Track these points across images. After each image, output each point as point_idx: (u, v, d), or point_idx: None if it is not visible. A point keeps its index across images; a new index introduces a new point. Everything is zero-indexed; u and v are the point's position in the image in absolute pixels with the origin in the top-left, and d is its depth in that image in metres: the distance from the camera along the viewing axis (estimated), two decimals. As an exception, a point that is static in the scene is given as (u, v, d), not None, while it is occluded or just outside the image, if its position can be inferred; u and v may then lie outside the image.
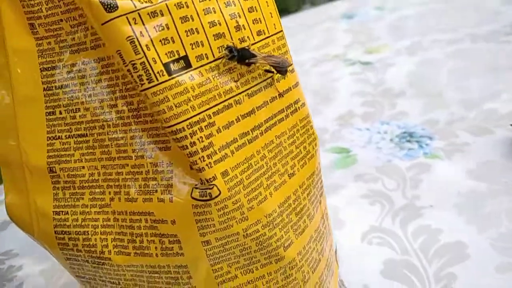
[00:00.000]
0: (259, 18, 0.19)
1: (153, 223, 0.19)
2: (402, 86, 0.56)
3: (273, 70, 0.19)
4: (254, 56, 0.17)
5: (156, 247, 0.19)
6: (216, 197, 0.17)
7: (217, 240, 0.18)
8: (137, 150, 0.19)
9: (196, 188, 0.18)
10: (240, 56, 0.17)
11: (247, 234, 0.18)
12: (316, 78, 0.62)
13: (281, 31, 0.20)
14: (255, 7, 0.19)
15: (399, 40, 0.71)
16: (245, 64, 0.18)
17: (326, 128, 0.48)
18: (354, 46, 0.73)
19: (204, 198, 0.17)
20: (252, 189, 0.18)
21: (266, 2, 0.20)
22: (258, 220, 0.19)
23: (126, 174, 0.19)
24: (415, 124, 0.47)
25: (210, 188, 0.17)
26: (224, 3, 0.18)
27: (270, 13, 0.20)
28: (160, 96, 0.16)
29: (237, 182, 0.18)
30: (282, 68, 0.18)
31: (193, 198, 0.18)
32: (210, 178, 0.17)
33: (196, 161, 0.17)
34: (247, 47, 0.18)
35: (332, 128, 0.49)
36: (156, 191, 0.19)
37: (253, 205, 0.18)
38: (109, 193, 0.20)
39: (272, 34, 0.20)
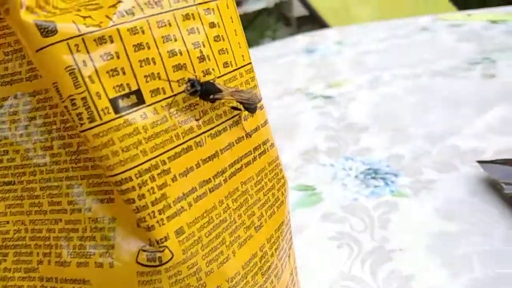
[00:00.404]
0: (226, 48, 0.17)
1: (89, 294, 0.15)
2: (365, 121, 0.55)
3: (240, 107, 0.16)
4: (219, 91, 0.15)
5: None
6: (168, 261, 0.14)
7: (168, 314, 0.15)
8: (74, 202, 0.16)
9: (144, 250, 0.15)
10: (204, 91, 0.15)
11: (205, 304, 0.15)
12: (278, 112, 0.61)
13: (250, 63, 0.18)
14: (222, 36, 0.17)
15: (360, 75, 0.72)
16: (209, 100, 0.15)
17: (289, 164, 0.46)
18: (316, 80, 0.72)
19: (153, 263, 0.14)
20: (212, 248, 0.16)
21: (235, 30, 0.17)
22: (218, 286, 0.16)
23: (59, 231, 0.16)
24: (379, 159, 0.46)
25: (160, 251, 0.14)
26: (187, 30, 0.15)
27: (239, 43, 0.17)
28: (104, 139, 0.13)
29: (194, 242, 0.15)
30: (251, 105, 0.16)
31: (139, 263, 0.15)
32: (161, 239, 0.14)
33: (144, 217, 0.14)
34: (211, 81, 0.15)
35: (295, 164, 0.47)
36: (94, 253, 0.15)
37: (212, 269, 0.16)
38: (38, 254, 0.16)
39: (240, 66, 0.17)
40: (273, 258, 0.18)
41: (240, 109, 0.16)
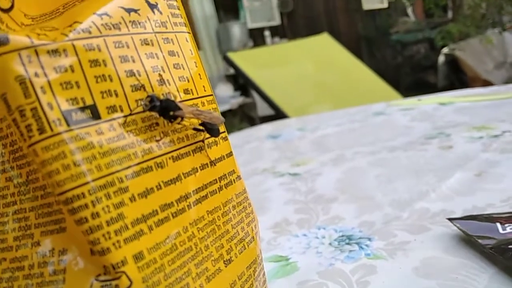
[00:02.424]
0: (187, 77, 0.17)
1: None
2: (332, 193, 0.55)
3: (202, 128, 0.16)
4: (179, 108, 0.15)
5: None
6: (126, 290, 0.13)
7: None
8: (20, 237, 0.14)
9: (98, 280, 0.13)
10: (163, 107, 0.14)
11: None
12: (247, 189, 0.60)
13: (212, 95, 0.18)
14: (182, 64, 0.17)
15: (323, 154, 0.73)
16: (169, 118, 0.15)
17: (261, 237, 0.45)
18: (282, 161, 0.73)
19: (109, 293, 0.13)
20: (176, 279, 0.14)
21: (194, 62, 0.18)
22: (185, 324, 0.14)
23: (3, 272, 0.14)
24: (351, 227, 0.45)
25: (117, 278, 0.13)
26: (145, 54, 0.15)
27: (199, 74, 0.18)
28: (54, 152, 0.12)
29: (155, 269, 0.13)
30: (213, 126, 0.16)
31: (94, 295, 0.13)
32: (117, 263, 0.13)
33: (98, 239, 0.13)
34: (171, 99, 0.15)
35: (267, 236, 0.45)
36: None
37: (178, 302, 0.14)
38: (-20, 300, 0.14)
39: (202, 96, 0.17)
40: (247, 299, 0.16)
41: (202, 130, 0.16)
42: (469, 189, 0.49)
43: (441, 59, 2.88)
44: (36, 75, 0.13)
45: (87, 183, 0.13)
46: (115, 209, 0.13)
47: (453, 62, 2.79)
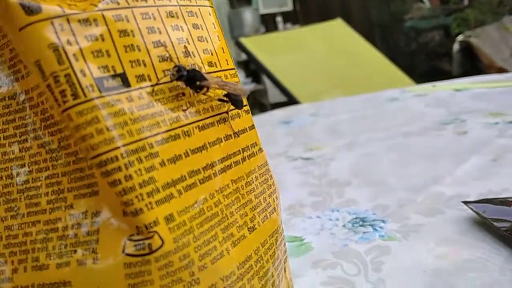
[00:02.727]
0: (210, 50, 0.17)
1: (69, 297, 0.14)
2: (346, 177, 0.55)
3: (226, 99, 0.16)
4: (205, 79, 0.15)
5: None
6: (158, 249, 0.13)
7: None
8: (54, 201, 0.15)
9: (131, 240, 0.13)
10: (190, 77, 0.14)
11: (198, 305, 0.14)
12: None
13: (234, 68, 0.18)
14: (206, 37, 0.17)
15: (337, 139, 0.73)
16: (195, 88, 0.15)
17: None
18: (295, 145, 0.73)
19: (142, 252, 0.13)
20: (204, 241, 0.14)
21: (217, 36, 0.18)
22: (212, 285, 0.14)
23: (37, 233, 0.15)
24: (365, 209, 0.45)
25: (149, 238, 0.13)
26: (171, 26, 0.16)
27: (222, 47, 0.18)
28: (88, 116, 0.13)
29: (185, 231, 0.14)
30: (237, 97, 0.16)
31: (126, 254, 0.13)
32: (150, 224, 0.13)
33: (131, 200, 0.13)
34: (197, 69, 0.15)
35: (282, 218, 0.45)
36: (75, 251, 0.14)
37: (206, 264, 0.14)
38: (12, 262, 0.15)
39: (225, 69, 0.18)
40: (269, 265, 0.17)
41: (226, 101, 0.16)
42: (484, 174, 0.49)
43: (456, 46, 2.83)
44: (69, 42, 0.13)
45: (119, 147, 0.13)
46: (147, 172, 0.13)
47: (468, 49, 2.74)
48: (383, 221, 0.42)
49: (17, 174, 0.15)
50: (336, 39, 1.90)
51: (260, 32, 3.37)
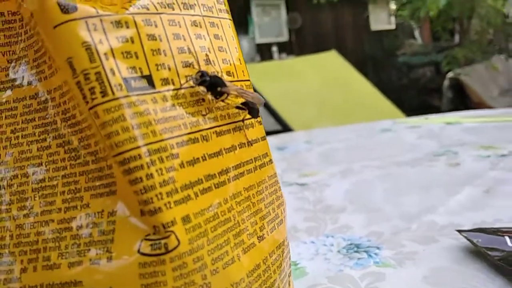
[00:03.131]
0: (229, 60, 0.18)
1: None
2: (341, 203, 0.56)
3: (244, 107, 0.16)
4: (226, 86, 0.15)
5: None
6: (174, 249, 0.13)
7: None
8: (69, 200, 0.15)
9: (148, 239, 0.14)
10: (212, 83, 0.15)
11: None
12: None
13: (249, 80, 0.19)
14: (225, 48, 0.18)
15: (331, 166, 0.74)
16: (215, 94, 0.15)
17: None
18: (289, 171, 0.74)
19: (158, 251, 0.13)
20: (217, 245, 0.15)
21: (235, 48, 0.19)
22: (223, 289, 0.14)
23: (50, 233, 0.15)
24: (359, 236, 0.45)
25: (166, 237, 0.13)
26: (195, 34, 0.16)
27: (239, 59, 0.18)
28: (115, 114, 0.13)
29: (200, 233, 0.14)
30: (254, 106, 0.16)
31: (141, 253, 0.14)
32: (167, 223, 0.13)
33: (151, 198, 0.13)
34: (219, 76, 0.16)
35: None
36: (89, 250, 0.14)
37: (218, 268, 0.14)
38: (21, 262, 0.15)
39: (241, 79, 0.18)
40: (276, 276, 0.17)
41: (244, 108, 0.17)
42: (477, 205, 0.49)
43: (446, 83, 2.90)
44: (101, 42, 0.14)
45: (143, 145, 0.13)
46: (167, 172, 0.14)
47: (458, 86, 2.81)
48: (378, 248, 0.42)
49: (33, 173, 0.15)
50: (330, 70, 1.93)
51: (255, 61, 3.42)
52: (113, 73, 0.14)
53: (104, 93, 0.13)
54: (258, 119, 0.18)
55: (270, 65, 2.20)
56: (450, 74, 2.79)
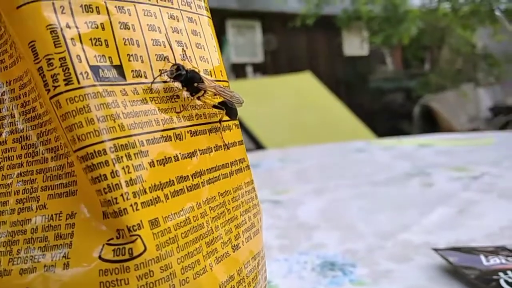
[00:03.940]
0: (206, 58, 0.17)
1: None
2: (315, 221, 0.55)
3: (222, 107, 0.15)
4: (203, 81, 0.14)
5: None
6: (139, 255, 0.12)
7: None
8: (24, 200, 0.13)
9: (110, 244, 0.12)
10: (189, 78, 0.14)
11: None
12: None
13: (228, 81, 0.18)
14: (203, 45, 0.17)
15: (305, 184, 0.73)
16: (191, 91, 0.14)
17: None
18: (263, 188, 0.73)
19: (121, 257, 0.12)
20: (188, 253, 0.13)
21: (214, 47, 0.18)
22: (193, 303, 0.13)
23: (1, 236, 0.13)
24: (334, 253, 0.45)
25: (131, 242, 0.12)
26: (171, 27, 0.15)
27: (218, 59, 0.18)
28: (79, 104, 0.12)
29: (169, 239, 0.13)
30: (233, 106, 0.15)
31: (103, 260, 0.12)
32: (133, 226, 0.12)
33: (115, 199, 0.12)
34: (196, 71, 0.15)
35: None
36: (44, 256, 0.13)
37: (188, 278, 0.13)
38: (-32, 269, 0.13)
39: (219, 80, 0.17)
40: (251, 288, 0.16)
41: (222, 108, 0.16)
42: (451, 224, 0.50)
43: (417, 109, 2.97)
44: (68, 26, 0.12)
45: (108, 140, 0.12)
46: (135, 171, 0.12)
47: (428, 113, 2.88)
48: (353, 266, 0.41)
49: (-14, 171, 0.14)
50: (304, 91, 1.95)
51: (230, 79, 3.43)
52: (80, 60, 0.12)
53: (68, 81, 0.12)
54: (236, 122, 0.17)
55: (244, 83, 2.21)
56: (420, 101, 2.87)
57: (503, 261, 0.37)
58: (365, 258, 0.43)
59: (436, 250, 0.40)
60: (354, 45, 4.60)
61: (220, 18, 3.74)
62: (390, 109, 3.63)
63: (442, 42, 3.55)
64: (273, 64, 4.04)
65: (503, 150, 0.82)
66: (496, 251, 0.40)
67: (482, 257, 0.38)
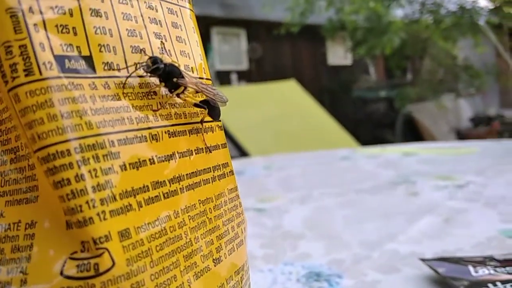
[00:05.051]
0: (188, 53, 0.15)
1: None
2: (300, 230, 0.54)
3: (204, 106, 0.14)
4: (183, 77, 0.13)
5: None
6: (106, 271, 0.11)
7: None
8: (-21, 209, 0.12)
9: (73, 258, 0.11)
10: (167, 72, 0.12)
11: None
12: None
13: (211, 79, 0.17)
14: (184, 39, 0.15)
15: (290, 192, 0.72)
16: (170, 87, 0.13)
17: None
18: (247, 196, 0.71)
19: (85, 274, 0.10)
20: (164, 268, 0.12)
21: (196, 41, 0.16)
22: (169, 325, 0.12)
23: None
24: (320, 264, 0.43)
25: (97, 256, 0.10)
26: (149, 18, 0.14)
27: (200, 54, 0.16)
28: (40, 98, 0.11)
29: (142, 253, 0.11)
30: (216, 105, 0.14)
31: (65, 276, 0.11)
32: (100, 238, 0.11)
33: (80, 206, 0.10)
34: (175, 65, 0.13)
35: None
36: None
37: (163, 296, 0.12)
38: None
39: (202, 77, 0.16)
40: (234, 306, 0.14)
41: (204, 107, 0.14)
42: (437, 233, 0.49)
43: (399, 119, 3.01)
44: (31, 10, 0.11)
45: (74, 139, 0.11)
46: (103, 174, 0.11)
47: (410, 122, 2.91)
48: (339, 277, 0.40)
49: None
50: (288, 98, 1.95)
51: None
52: (43, 49, 0.11)
53: (28, 72, 0.11)
54: (219, 123, 0.16)
55: (229, 91, 2.20)
56: (403, 111, 2.90)
57: (492, 271, 0.37)
58: (352, 268, 0.41)
59: (423, 260, 0.39)
60: (338, 54, 4.63)
61: (204, 25, 3.74)
62: (373, 118, 3.66)
63: (424, 53, 3.60)
64: (258, 72, 4.04)
65: (487, 159, 0.83)
66: (484, 261, 0.39)
67: (471, 268, 0.37)
